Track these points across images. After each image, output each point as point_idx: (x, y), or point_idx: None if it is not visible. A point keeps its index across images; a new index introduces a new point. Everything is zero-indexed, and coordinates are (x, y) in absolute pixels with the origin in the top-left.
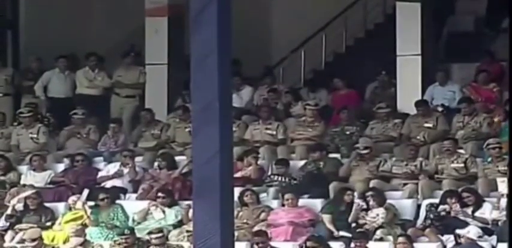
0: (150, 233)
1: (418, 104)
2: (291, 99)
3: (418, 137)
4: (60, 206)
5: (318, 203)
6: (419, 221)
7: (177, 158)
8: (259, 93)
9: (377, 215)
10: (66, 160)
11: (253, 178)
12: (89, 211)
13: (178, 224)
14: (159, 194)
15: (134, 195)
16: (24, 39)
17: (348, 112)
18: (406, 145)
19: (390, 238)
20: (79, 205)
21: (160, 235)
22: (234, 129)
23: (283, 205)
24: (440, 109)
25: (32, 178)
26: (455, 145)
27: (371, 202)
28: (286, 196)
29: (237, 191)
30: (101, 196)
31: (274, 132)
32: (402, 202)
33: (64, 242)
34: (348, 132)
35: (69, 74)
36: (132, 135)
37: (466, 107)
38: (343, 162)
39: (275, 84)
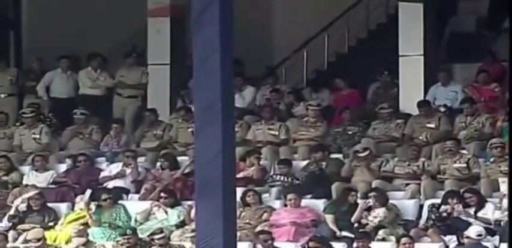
0: (152, 234)
1: (420, 104)
2: (293, 99)
3: (420, 137)
4: (62, 207)
5: (320, 203)
6: (422, 222)
7: (179, 158)
8: (261, 93)
9: (378, 215)
10: (69, 161)
11: (256, 179)
12: (91, 211)
13: (181, 224)
14: (162, 194)
15: (137, 195)
16: (27, 40)
17: (350, 113)
18: (409, 146)
19: (392, 238)
20: (81, 205)
21: (162, 235)
22: (236, 129)
23: (285, 206)
24: (442, 109)
25: (35, 178)
26: (457, 146)
27: (373, 202)
28: (289, 196)
29: (239, 191)
30: (104, 196)
31: (277, 132)
32: (404, 202)
33: (66, 243)
34: (350, 132)
35: (71, 74)
36: (135, 135)
37: (468, 107)
38: (346, 162)
39: (277, 85)
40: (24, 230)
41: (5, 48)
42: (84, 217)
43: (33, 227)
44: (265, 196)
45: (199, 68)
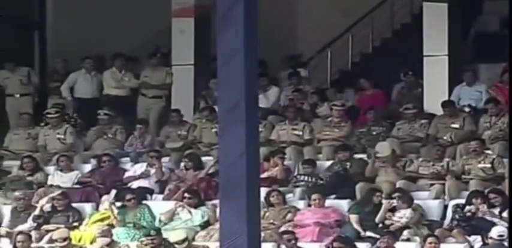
0: (175, 243)
1: (444, 104)
2: (317, 99)
3: (444, 137)
4: (87, 207)
5: (344, 203)
6: (446, 222)
7: (203, 158)
8: (285, 93)
9: (404, 215)
10: (93, 161)
11: (280, 179)
12: (116, 211)
13: (205, 224)
14: (186, 194)
15: (161, 196)
16: (51, 41)
17: (375, 113)
18: (433, 146)
19: (417, 238)
20: (106, 205)
21: (185, 245)
22: (260, 129)
23: (309, 206)
24: (467, 109)
25: (59, 178)
26: (482, 146)
27: (398, 203)
28: (313, 196)
29: (263, 191)
30: (128, 196)
31: (301, 133)
32: (429, 202)
33: (91, 243)
34: (374, 133)
35: (95, 75)
36: (159, 135)
37: (492, 107)
38: (369, 163)
39: (301, 85)
40: (48, 231)
41: (30, 49)
42: (108, 217)
43: (58, 228)
44: (289, 196)
45: (224, 68)
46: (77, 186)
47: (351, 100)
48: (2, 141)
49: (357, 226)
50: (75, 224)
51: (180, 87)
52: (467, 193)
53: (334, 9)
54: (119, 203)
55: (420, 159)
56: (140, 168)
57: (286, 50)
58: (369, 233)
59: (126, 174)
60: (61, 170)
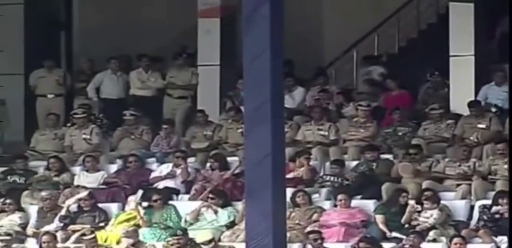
0: (201, 243)
1: (471, 105)
2: (342, 99)
3: (471, 138)
4: (113, 207)
5: (370, 204)
6: (473, 222)
7: (229, 159)
8: (311, 93)
9: (431, 215)
10: (119, 161)
11: (306, 179)
12: (142, 211)
13: (231, 225)
14: (211, 195)
15: (186, 196)
16: (78, 41)
17: (401, 113)
18: (459, 146)
19: (443, 239)
20: (132, 205)
21: (211, 245)
22: (286, 129)
23: (335, 206)
24: (493, 109)
25: (85, 178)
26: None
27: (425, 203)
28: (339, 196)
29: (289, 192)
30: (154, 197)
31: (327, 133)
32: (455, 203)
33: (117, 243)
34: (400, 133)
35: (120, 75)
36: (185, 135)
37: None
38: (396, 163)
39: (327, 85)
40: (74, 231)
41: (56, 50)
42: (134, 217)
43: (83, 228)
44: (315, 196)
45: (249, 68)
46: (103, 186)
47: (376, 101)
48: (29, 142)
49: (382, 227)
50: (101, 224)
51: (205, 87)
52: (493, 193)
53: (360, 10)
54: (145, 204)
55: (446, 160)
56: (166, 168)
57: (312, 50)
58: (394, 234)
59: (152, 175)
60: (87, 170)
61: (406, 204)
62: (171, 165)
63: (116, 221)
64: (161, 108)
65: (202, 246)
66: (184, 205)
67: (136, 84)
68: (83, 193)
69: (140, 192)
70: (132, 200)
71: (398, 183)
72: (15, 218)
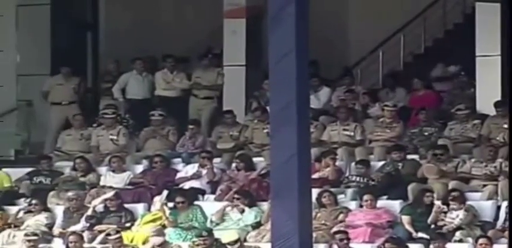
0: (227, 244)
1: (497, 105)
2: (368, 100)
3: (497, 138)
4: (139, 207)
5: (396, 204)
6: (499, 223)
7: (254, 159)
8: (337, 94)
9: (457, 216)
10: (145, 162)
11: (331, 179)
12: (167, 212)
13: (257, 225)
14: (237, 195)
15: (212, 196)
16: (104, 42)
17: (427, 113)
18: (486, 146)
19: (470, 239)
20: (158, 206)
21: (237, 245)
22: (311, 130)
23: (361, 206)
24: None
25: (111, 179)
26: None
27: (451, 204)
28: (365, 197)
29: (314, 192)
30: (180, 197)
31: (352, 133)
32: (482, 203)
33: (143, 243)
34: (426, 133)
35: (146, 76)
36: (211, 136)
37: None
38: (422, 163)
39: (353, 85)
40: (100, 231)
41: (83, 51)
42: (160, 218)
43: (109, 228)
44: (340, 197)
45: (275, 68)
46: (129, 187)
47: (402, 101)
48: (56, 142)
49: (408, 227)
50: (128, 224)
51: (231, 87)
52: None
53: (385, 9)
54: (170, 204)
55: (473, 160)
56: (192, 168)
57: (337, 50)
58: (420, 234)
59: (178, 175)
60: (113, 171)
61: (432, 204)
62: (196, 165)
63: (141, 222)
64: (186, 109)
65: (228, 246)
66: (210, 206)
67: (162, 85)
68: (109, 194)
69: (166, 192)
70: (158, 200)
71: (424, 183)
72: (41, 218)
